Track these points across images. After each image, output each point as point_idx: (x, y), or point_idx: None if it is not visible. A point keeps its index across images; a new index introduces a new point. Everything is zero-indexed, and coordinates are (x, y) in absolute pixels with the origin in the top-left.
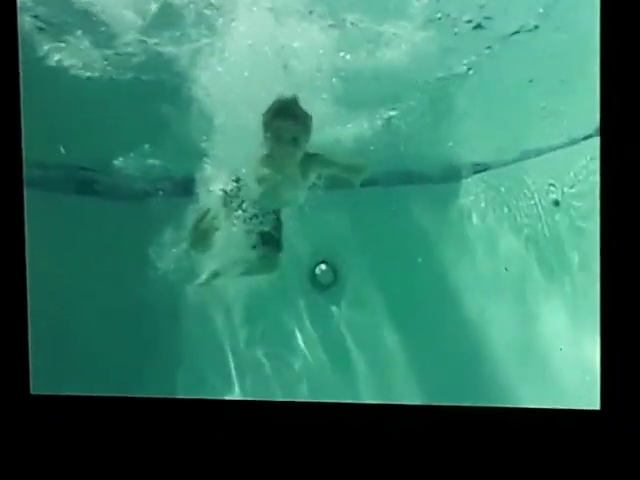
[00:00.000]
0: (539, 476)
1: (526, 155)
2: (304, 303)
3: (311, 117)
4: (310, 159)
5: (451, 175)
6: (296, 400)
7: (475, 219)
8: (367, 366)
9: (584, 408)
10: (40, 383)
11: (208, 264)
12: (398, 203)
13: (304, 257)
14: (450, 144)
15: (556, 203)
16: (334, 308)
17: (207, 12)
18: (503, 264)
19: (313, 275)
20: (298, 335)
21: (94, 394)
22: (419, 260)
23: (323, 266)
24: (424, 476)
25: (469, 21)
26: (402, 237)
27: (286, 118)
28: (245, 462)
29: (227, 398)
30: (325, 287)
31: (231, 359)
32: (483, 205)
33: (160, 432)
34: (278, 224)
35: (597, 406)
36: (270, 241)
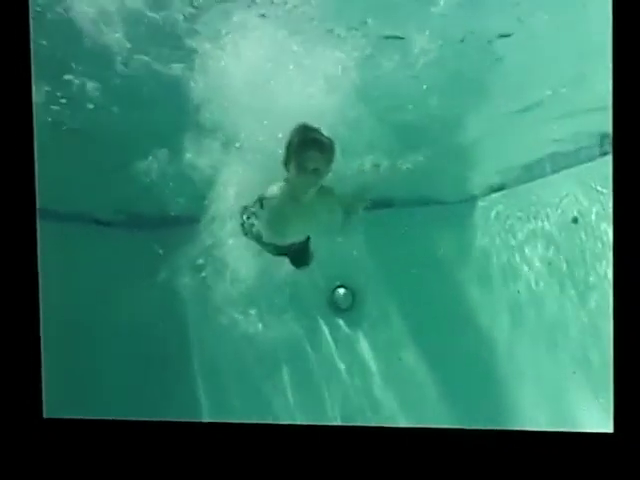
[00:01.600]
0: None
1: (542, 173)
2: (323, 327)
3: (334, 146)
4: (323, 191)
5: (467, 195)
6: (305, 424)
7: (491, 238)
8: (386, 387)
9: (597, 431)
10: (53, 407)
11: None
12: (414, 224)
13: (322, 281)
14: (465, 163)
15: (575, 220)
16: (354, 331)
17: (222, 30)
18: (520, 284)
19: (332, 299)
20: (317, 358)
21: (107, 418)
22: (434, 280)
23: (342, 290)
24: None
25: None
26: (418, 258)
27: (312, 147)
28: None
29: (246, 422)
30: (344, 310)
31: (252, 382)
32: (500, 224)
33: (175, 456)
34: None
35: (610, 429)
36: None
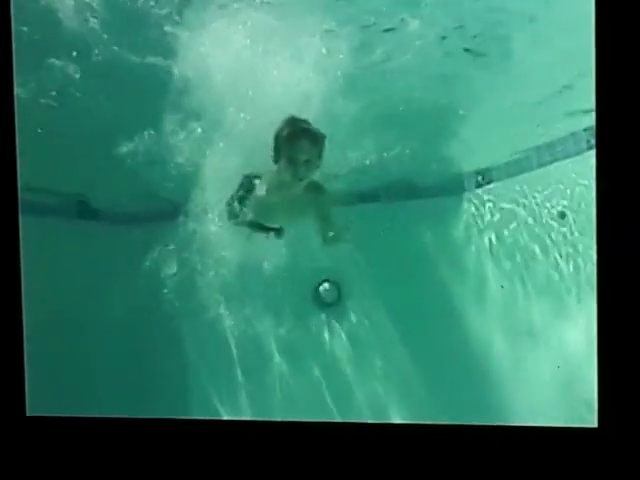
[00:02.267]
0: None
1: (529, 166)
2: (308, 322)
3: (324, 138)
4: (313, 186)
5: (453, 188)
6: (285, 420)
7: (478, 233)
8: (372, 383)
9: (582, 426)
10: (36, 405)
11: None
12: (400, 218)
13: (307, 276)
14: (452, 156)
15: (562, 215)
16: (338, 326)
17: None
18: (506, 279)
19: (317, 294)
20: (304, 354)
21: (90, 415)
22: (422, 276)
23: (327, 285)
24: None
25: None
26: (405, 252)
27: (303, 138)
28: None
29: (226, 418)
30: (329, 305)
31: (234, 379)
32: (486, 219)
33: (161, 453)
34: None
35: (595, 424)
36: None
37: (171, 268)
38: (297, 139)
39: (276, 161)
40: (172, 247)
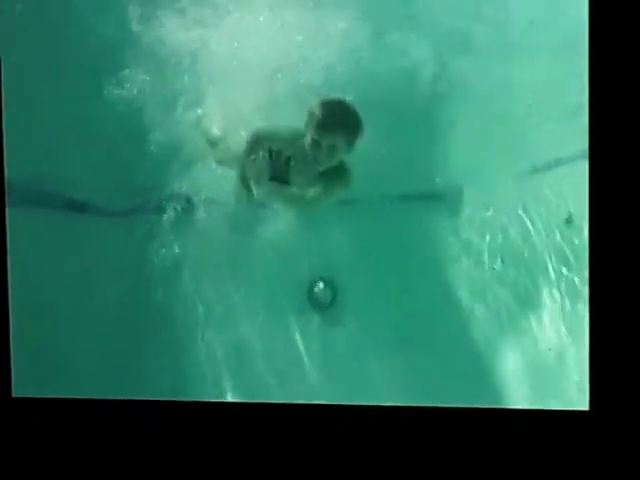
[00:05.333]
0: (527, 477)
1: (523, 172)
2: (302, 321)
3: (361, 125)
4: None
5: (448, 190)
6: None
7: (475, 232)
8: (366, 384)
9: (573, 409)
10: (22, 386)
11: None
12: (396, 218)
13: (301, 274)
14: (444, 157)
15: (569, 220)
16: (334, 327)
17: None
18: (496, 261)
19: (311, 293)
20: (297, 354)
21: (77, 397)
22: (419, 276)
23: (321, 284)
24: (412, 477)
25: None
26: (401, 252)
27: (330, 120)
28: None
29: (212, 400)
30: (324, 306)
31: (221, 369)
32: (482, 220)
33: (146, 435)
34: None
35: (586, 407)
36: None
37: (159, 260)
38: (325, 120)
39: (303, 136)
40: (161, 239)
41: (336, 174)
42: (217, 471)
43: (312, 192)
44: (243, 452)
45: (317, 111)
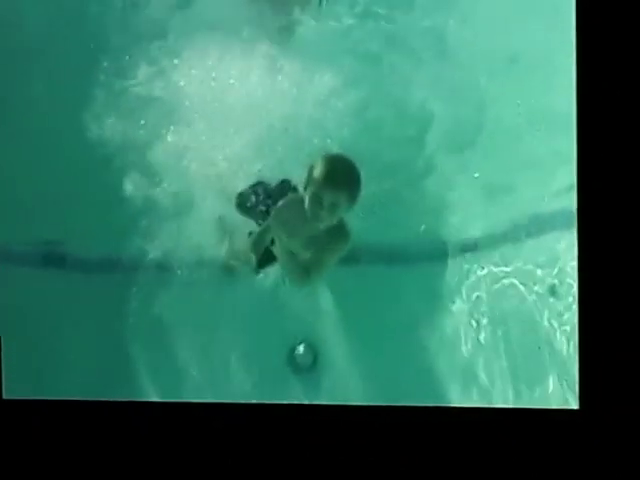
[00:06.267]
0: (517, 476)
1: (518, 237)
2: (283, 385)
3: (359, 180)
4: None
5: (437, 254)
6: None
7: (461, 301)
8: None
9: (562, 407)
10: (12, 387)
11: None
12: (381, 282)
13: (282, 338)
14: (435, 218)
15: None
16: (314, 391)
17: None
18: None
19: (292, 357)
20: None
21: (68, 398)
22: (403, 340)
23: (301, 347)
24: (404, 477)
25: None
26: (385, 317)
27: (332, 177)
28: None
29: (206, 401)
30: (304, 369)
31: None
32: (470, 286)
33: (137, 436)
34: None
35: (576, 405)
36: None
37: (139, 315)
38: (326, 177)
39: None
40: (142, 296)
41: (335, 232)
42: (210, 472)
43: (311, 254)
44: (240, 453)
45: (320, 167)
